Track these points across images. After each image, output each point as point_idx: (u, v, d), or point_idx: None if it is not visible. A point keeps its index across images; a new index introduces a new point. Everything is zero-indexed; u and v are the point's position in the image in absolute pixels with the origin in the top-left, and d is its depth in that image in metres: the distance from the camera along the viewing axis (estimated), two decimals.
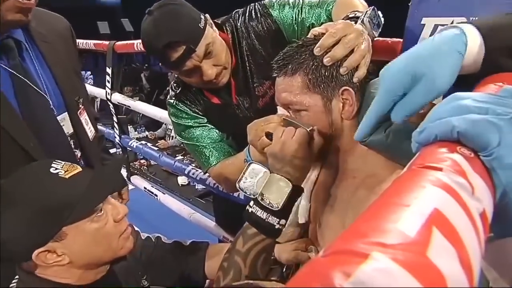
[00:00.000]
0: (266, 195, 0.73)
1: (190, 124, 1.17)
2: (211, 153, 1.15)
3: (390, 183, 0.74)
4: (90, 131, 1.12)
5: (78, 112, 1.08)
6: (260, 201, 0.73)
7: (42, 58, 1.04)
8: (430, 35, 0.75)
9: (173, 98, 1.19)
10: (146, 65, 8.31)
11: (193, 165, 2.19)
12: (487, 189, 0.33)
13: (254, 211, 0.73)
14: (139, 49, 2.12)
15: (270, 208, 0.72)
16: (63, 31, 1.12)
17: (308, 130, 0.74)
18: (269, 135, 0.80)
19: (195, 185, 3.75)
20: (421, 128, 0.37)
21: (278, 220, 0.73)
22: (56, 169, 0.79)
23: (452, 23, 0.70)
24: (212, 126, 1.17)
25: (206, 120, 1.17)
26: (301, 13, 1.08)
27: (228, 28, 1.14)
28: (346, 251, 0.22)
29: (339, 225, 0.84)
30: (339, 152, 0.83)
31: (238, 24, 1.14)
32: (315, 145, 0.76)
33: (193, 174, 1.91)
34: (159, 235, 1.07)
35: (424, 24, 0.77)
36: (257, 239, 0.73)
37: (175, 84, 1.20)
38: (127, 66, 7.33)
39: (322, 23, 1.04)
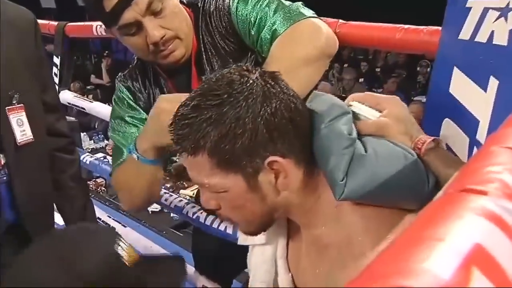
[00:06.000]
0: None
1: (124, 116, 1.27)
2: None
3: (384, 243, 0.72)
4: (22, 134, 1.17)
5: (8, 108, 1.14)
6: None
7: None
8: (477, 23, 0.76)
9: (119, 78, 1.32)
10: (106, 52, 8.47)
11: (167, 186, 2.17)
12: None
13: None
14: (100, 33, 2.13)
15: None
16: (19, 23, 1.21)
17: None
18: None
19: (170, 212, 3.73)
20: None
21: None
22: None
23: (508, 5, 0.71)
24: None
25: (144, 117, 1.25)
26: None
27: (193, 8, 1.21)
28: None
29: None
30: (299, 215, 0.84)
31: (206, 6, 1.20)
32: None
33: (165, 200, 1.89)
34: None
35: (470, 8, 0.79)
36: None
37: (130, 66, 1.33)
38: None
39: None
